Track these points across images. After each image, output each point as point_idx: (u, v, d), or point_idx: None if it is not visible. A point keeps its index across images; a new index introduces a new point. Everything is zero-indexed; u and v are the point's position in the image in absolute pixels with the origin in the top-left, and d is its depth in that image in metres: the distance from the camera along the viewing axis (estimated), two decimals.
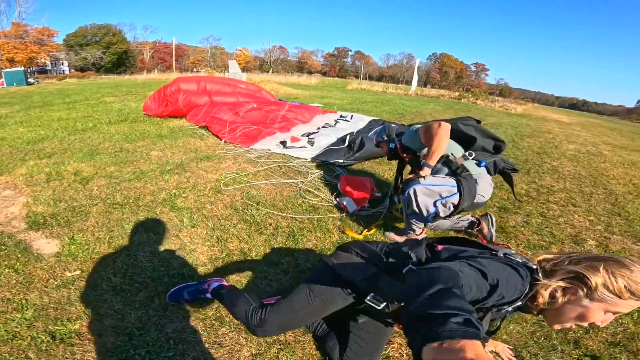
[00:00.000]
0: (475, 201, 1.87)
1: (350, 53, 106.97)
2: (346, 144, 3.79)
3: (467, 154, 1.94)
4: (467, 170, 1.89)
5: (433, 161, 1.88)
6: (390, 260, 1.01)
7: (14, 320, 1.33)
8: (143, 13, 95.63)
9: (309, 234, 2.13)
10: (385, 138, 2.25)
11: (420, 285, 0.64)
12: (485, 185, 1.91)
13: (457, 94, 20.89)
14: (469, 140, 1.98)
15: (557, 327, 0.85)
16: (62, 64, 39.91)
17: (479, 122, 2.06)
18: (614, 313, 0.80)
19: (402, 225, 2.29)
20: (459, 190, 1.83)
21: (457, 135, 1.98)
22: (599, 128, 13.73)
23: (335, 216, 2.37)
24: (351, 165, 3.53)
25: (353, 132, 4.29)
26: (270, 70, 45.71)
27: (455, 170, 1.90)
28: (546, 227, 2.58)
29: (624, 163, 5.70)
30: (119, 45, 42.04)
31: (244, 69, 18.05)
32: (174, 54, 39.88)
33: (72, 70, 36.92)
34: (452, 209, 1.86)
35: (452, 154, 1.94)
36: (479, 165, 1.93)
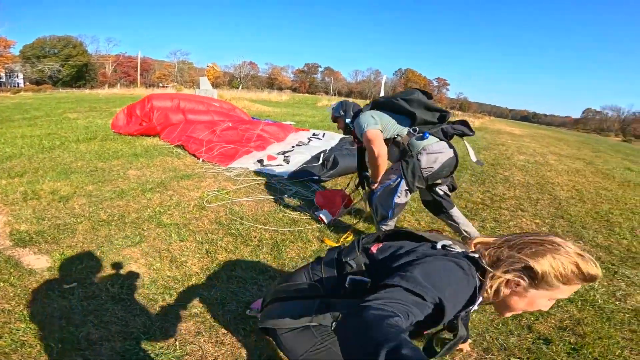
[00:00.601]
0: (429, 173, 2.06)
1: (320, 69, 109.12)
2: (320, 161, 4.03)
3: (411, 130, 2.08)
4: (412, 149, 2.06)
5: (377, 183, 2.18)
6: (327, 277, 0.94)
7: (19, 330, 1.42)
8: (107, 25, 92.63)
9: (291, 244, 2.33)
10: (342, 114, 2.43)
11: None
12: (437, 155, 2.06)
13: None
14: (412, 115, 2.09)
15: (507, 314, 0.85)
16: (17, 76, 37.70)
17: (429, 95, 2.15)
18: (556, 298, 0.80)
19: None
20: (403, 175, 2.05)
21: (401, 111, 2.12)
22: (547, 139, 15.15)
23: (313, 227, 2.60)
24: (326, 181, 3.79)
25: (326, 150, 4.55)
26: (240, 86, 45.73)
27: (402, 151, 2.09)
28: (498, 231, 2.96)
29: (568, 171, 6.45)
30: (79, 57, 40.42)
31: (213, 85, 18.04)
32: (139, 68, 38.93)
33: (27, 84, 34.91)
34: (407, 194, 2.11)
35: (398, 134, 2.10)
36: (422, 138, 2.06)
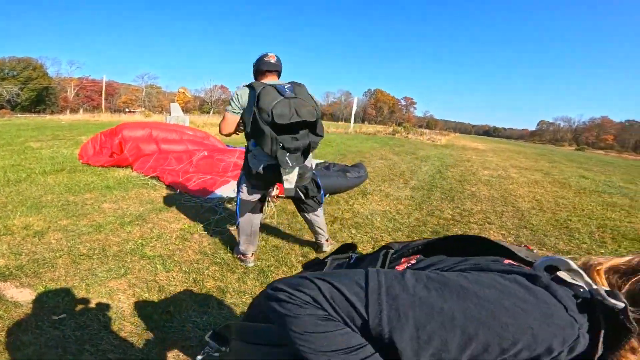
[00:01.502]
0: (258, 175, 2.21)
1: None
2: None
3: None
4: (250, 149, 2.27)
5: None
6: None
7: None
8: (69, 47, 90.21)
9: (276, 269, 2.45)
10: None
11: None
12: (259, 161, 2.19)
13: (391, 129, 23.07)
14: None
15: None
16: None
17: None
18: None
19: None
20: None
21: None
22: (507, 152, 16.28)
23: (297, 253, 2.73)
24: None
25: None
26: (212, 111, 45.50)
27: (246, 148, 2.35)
28: None
29: (528, 182, 7.03)
30: (39, 80, 38.90)
31: (183, 110, 17.94)
32: (104, 92, 37.98)
33: None
34: (250, 191, 2.35)
35: None
36: None
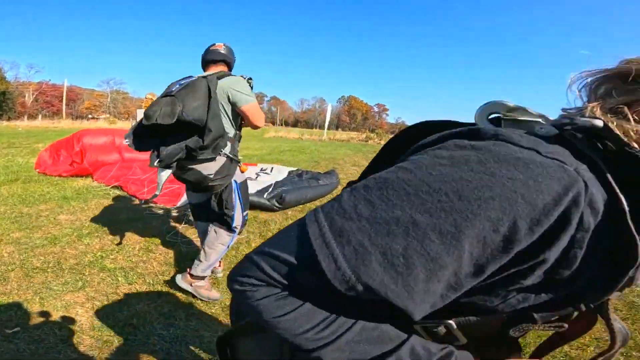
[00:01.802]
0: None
1: (266, 99, 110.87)
2: (265, 197, 4.02)
3: None
4: None
5: None
6: None
7: None
8: (29, 50, 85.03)
9: None
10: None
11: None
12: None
13: (364, 136, 23.50)
14: None
15: None
16: None
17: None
18: None
19: None
20: None
21: None
22: None
23: None
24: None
25: (272, 184, 4.58)
26: None
27: None
28: None
29: None
30: None
31: None
32: (64, 97, 36.12)
33: None
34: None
35: None
36: None
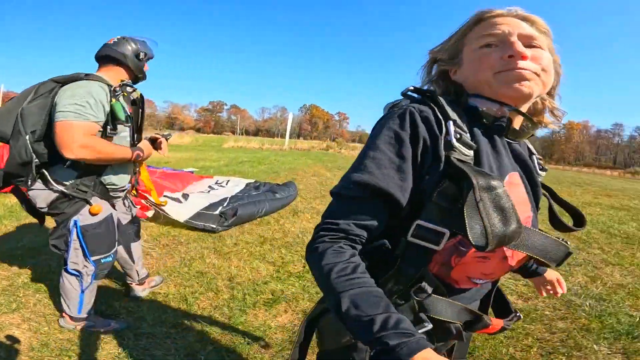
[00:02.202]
0: None
1: (225, 107, 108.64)
2: (218, 211, 3.99)
3: None
4: None
5: None
6: None
7: None
8: None
9: (201, 296, 2.45)
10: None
11: None
12: None
13: (325, 145, 23.90)
14: None
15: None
16: None
17: None
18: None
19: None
20: None
21: None
22: None
23: (224, 277, 2.77)
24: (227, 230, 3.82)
25: (227, 198, 4.53)
26: None
27: None
28: None
29: None
30: None
31: None
32: (0, 102, 32.81)
33: None
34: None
35: None
36: None
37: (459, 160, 0.59)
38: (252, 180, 6.04)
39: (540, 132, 0.78)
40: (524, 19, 0.68)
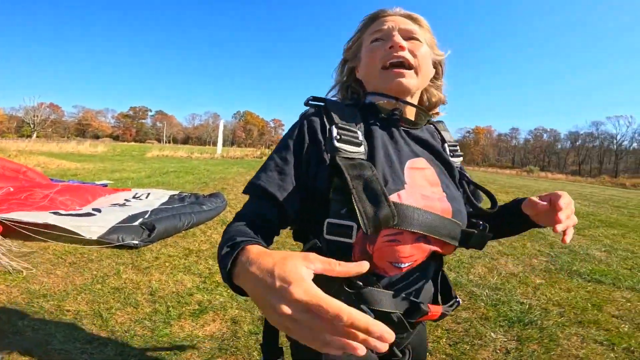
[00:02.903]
0: None
1: (150, 113, 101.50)
2: (138, 223, 3.81)
3: None
4: None
5: None
6: None
7: None
8: None
9: (118, 311, 2.38)
10: None
11: None
12: None
13: (259, 152, 23.79)
14: None
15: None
16: None
17: None
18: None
19: None
20: None
21: None
22: None
23: (144, 291, 2.69)
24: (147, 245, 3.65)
25: (147, 211, 4.32)
26: (35, 134, 37.12)
27: None
28: None
29: None
30: None
31: None
32: None
33: None
34: None
35: None
36: None
37: (343, 157, 0.65)
38: (177, 192, 5.83)
39: (454, 136, 0.92)
40: (408, 16, 0.81)
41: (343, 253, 0.66)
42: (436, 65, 0.85)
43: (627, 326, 2.54)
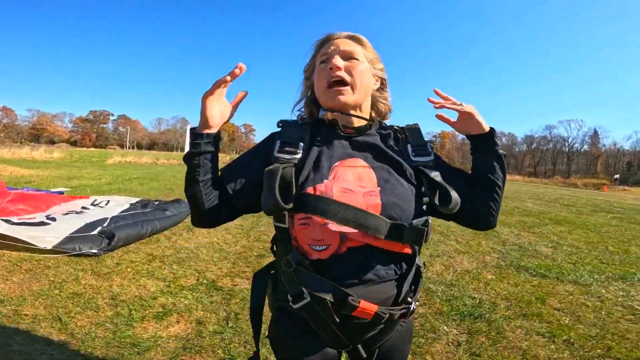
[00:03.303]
0: None
1: (111, 117, 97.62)
2: (96, 231, 3.77)
3: None
4: None
5: None
6: None
7: None
8: None
9: (78, 315, 2.38)
10: None
11: None
12: None
13: (228, 158, 23.62)
14: None
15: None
16: None
17: None
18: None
19: None
20: None
21: None
22: None
23: (104, 295, 2.69)
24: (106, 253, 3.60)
25: (107, 218, 4.28)
26: None
27: None
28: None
29: None
30: None
31: None
32: None
33: None
34: None
35: None
36: None
37: (280, 162, 0.84)
38: (138, 199, 5.73)
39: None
40: (351, 37, 0.92)
41: (285, 236, 0.83)
42: (379, 78, 0.97)
43: (567, 318, 2.75)
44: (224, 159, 23.67)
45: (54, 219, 3.82)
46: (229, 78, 0.83)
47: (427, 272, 3.69)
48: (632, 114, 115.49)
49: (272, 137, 0.93)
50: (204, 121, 0.85)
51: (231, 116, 0.92)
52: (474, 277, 3.60)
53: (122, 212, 4.80)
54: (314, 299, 0.77)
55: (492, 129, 0.94)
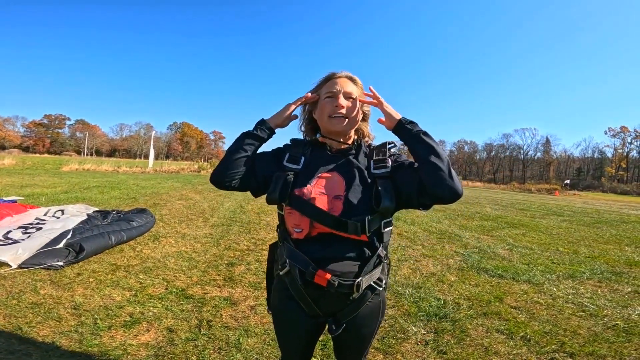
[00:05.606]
0: None
1: (68, 122, 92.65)
2: (62, 245, 3.69)
3: None
4: None
5: None
6: None
7: None
8: None
9: (39, 325, 2.32)
10: None
11: None
12: None
13: (196, 166, 23.09)
14: None
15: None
16: None
17: None
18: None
19: None
20: None
21: None
22: None
23: (66, 305, 2.62)
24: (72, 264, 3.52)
25: (70, 230, 4.15)
26: None
27: None
28: (262, 271, 3.73)
29: None
30: None
31: None
32: None
33: None
34: None
35: None
36: None
37: (286, 169, 1.18)
38: (96, 209, 5.54)
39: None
40: (349, 78, 1.21)
41: (282, 220, 1.18)
42: (364, 112, 1.27)
43: (523, 316, 2.91)
44: (192, 167, 23.30)
45: (15, 241, 3.66)
46: (304, 99, 1.23)
47: (395, 276, 3.85)
48: (580, 123, 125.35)
49: (284, 150, 1.24)
50: (276, 117, 1.25)
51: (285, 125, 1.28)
52: (438, 280, 3.78)
53: (82, 222, 4.63)
54: (290, 266, 1.11)
55: (401, 118, 1.17)
